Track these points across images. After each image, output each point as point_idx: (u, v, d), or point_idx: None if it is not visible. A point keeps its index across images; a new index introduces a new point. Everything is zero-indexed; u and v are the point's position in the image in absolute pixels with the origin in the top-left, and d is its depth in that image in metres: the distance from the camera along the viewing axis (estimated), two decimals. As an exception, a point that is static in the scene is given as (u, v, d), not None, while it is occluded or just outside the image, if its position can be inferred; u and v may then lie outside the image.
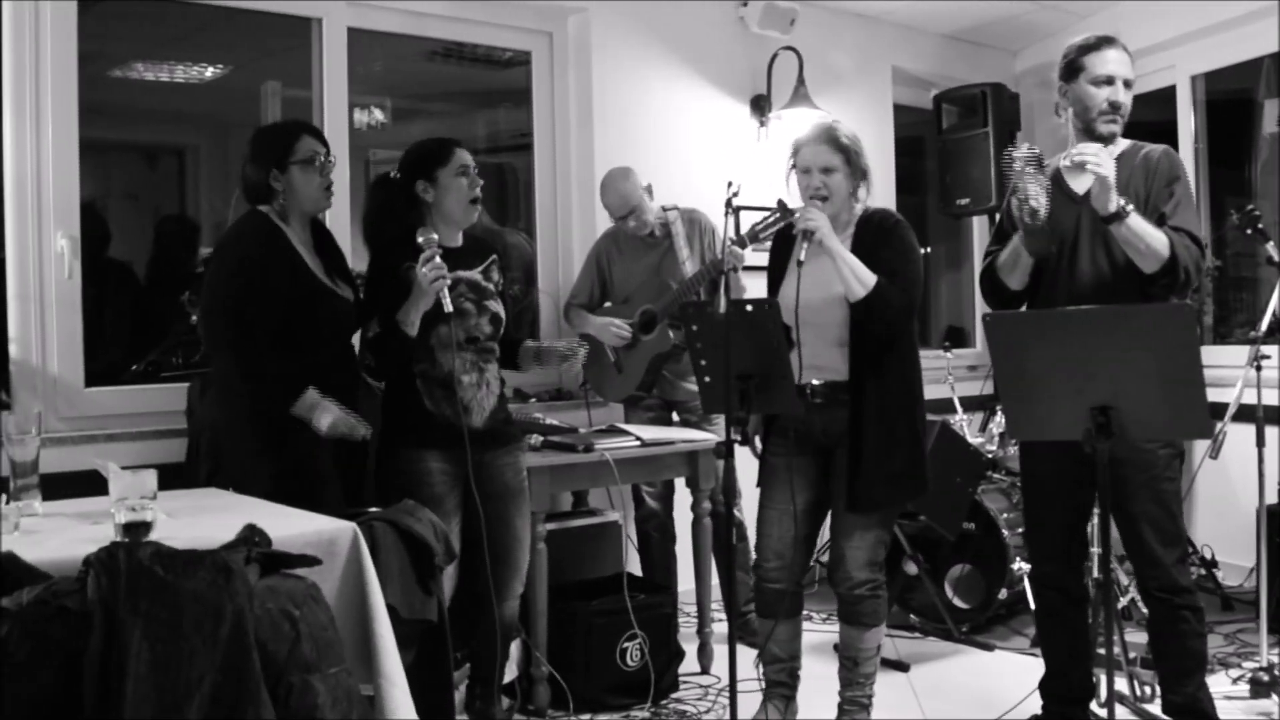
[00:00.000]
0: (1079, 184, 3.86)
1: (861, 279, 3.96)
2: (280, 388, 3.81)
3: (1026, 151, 3.83)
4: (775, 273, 4.28)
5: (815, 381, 4.05)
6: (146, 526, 2.70)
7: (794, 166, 4.15)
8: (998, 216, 4.30)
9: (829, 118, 6.36)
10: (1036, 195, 3.77)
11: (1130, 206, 3.73)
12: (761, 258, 4.56)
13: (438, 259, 3.90)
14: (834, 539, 4.15)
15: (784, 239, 4.33)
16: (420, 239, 3.93)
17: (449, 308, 3.91)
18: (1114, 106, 3.96)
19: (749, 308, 3.82)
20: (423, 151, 4.18)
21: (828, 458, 4.15)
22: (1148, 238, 3.74)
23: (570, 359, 4.44)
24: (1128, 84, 3.99)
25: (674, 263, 5.45)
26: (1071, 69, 4.03)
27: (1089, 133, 3.99)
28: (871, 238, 4.11)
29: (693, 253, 5.45)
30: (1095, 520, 4.99)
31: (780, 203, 4.55)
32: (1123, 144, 4.04)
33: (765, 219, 4.79)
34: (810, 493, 4.16)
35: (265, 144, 3.99)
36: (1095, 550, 4.74)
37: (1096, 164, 3.70)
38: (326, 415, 3.83)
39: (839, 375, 4.07)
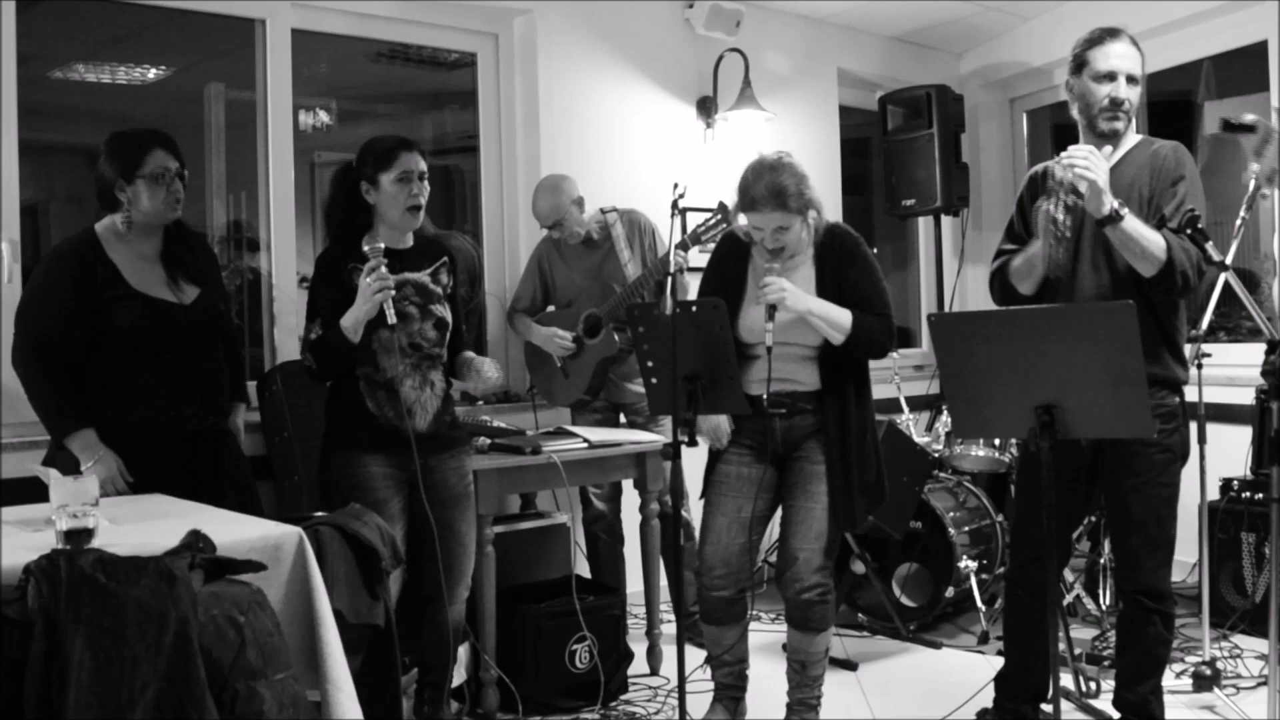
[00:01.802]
0: (1081, 185, 3.78)
1: (838, 325, 3.98)
2: (60, 417, 3.85)
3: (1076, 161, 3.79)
4: (721, 279, 4.22)
5: (773, 391, 4.03)
6: (88, 533, 2.67)
7: (742, 210, 4.06)
8: (1008, 217, 4.24)
9: (774, 118, 6.43)
10: (1060, 212, 3.79)
11: (1125, 209, 3.68)
12: (705, 259, 4.54)
13: (383, 269, 3.87)
14: (786, 542, 4.14)
15: (732, 247, 4.27)
16: (365, 247, 3.89)
17: (392, 320, 3.87)
18: (1115, 103, 3.90)
19: (695, 309, 3.82)
20: (371, 151, 4.11)
21: (781, 465, 4.17)
22: (1143, 241, 3.69)
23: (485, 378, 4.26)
24: (1131, 79, 3.92)
25: (616, 265, 5.46)
26: (1077, 64, 3.98)
27: (1092, 129, 3.95)
28: (835, 259, 4.11)
29: (634, 254, 5.46)
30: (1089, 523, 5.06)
31: (721, 204, 4.56)
32: (1133, 139, 4.00)
33: (706, 221, 4.80)
34: (761, 501, 4.17)
35: (116, 151, 3.93)
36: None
37: (1085, 168, 3.66)
38: (95, 470, 3.74)
39: (805, 386, 4.09)
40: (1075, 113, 4.03)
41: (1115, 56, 3.92)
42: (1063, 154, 3.77)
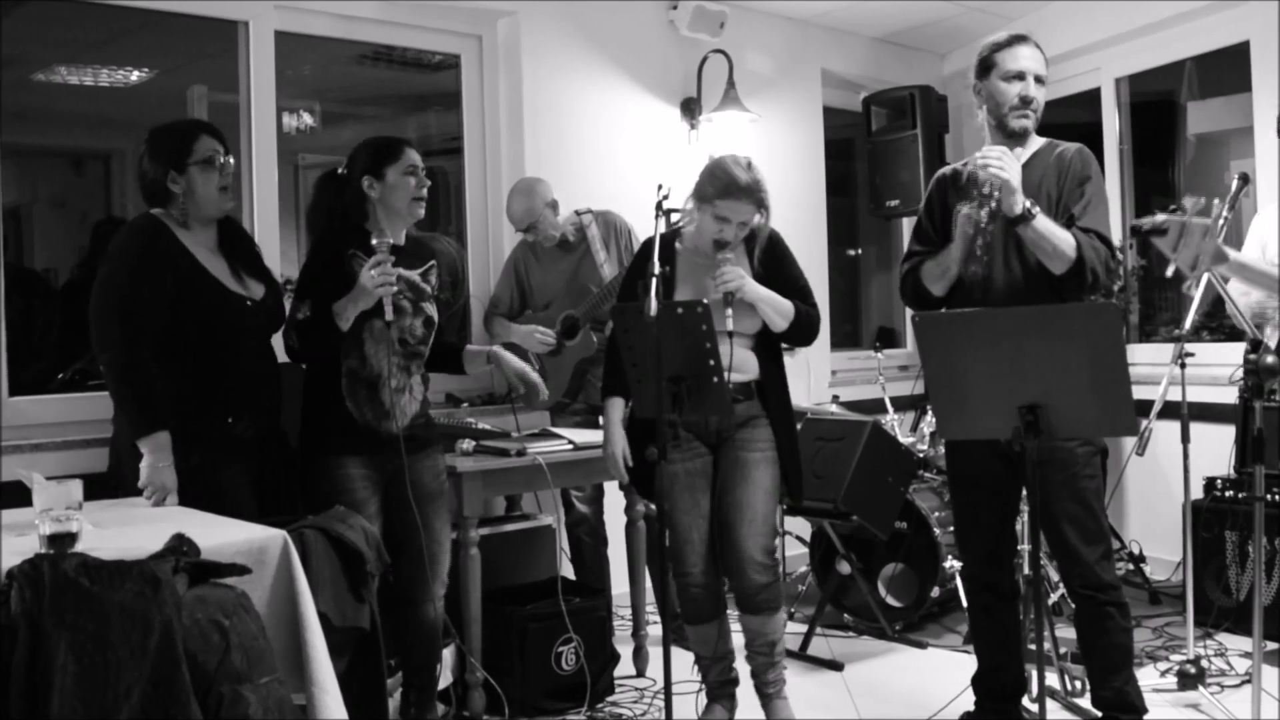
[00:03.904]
0: (987, 187, 3.91)
1: (783, 312, 4.16)
2: (143, 412, 3.69)
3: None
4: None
5: (735, 380, 4.11)
6: (72, 538, 2.67)
7: (707, 201, 4.12)
8: (917, 217, 4.34)
9: (758, 119, 6.43)
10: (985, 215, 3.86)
11: (1036, 209, 3.76)
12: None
13: (388, 265, 3.89)
14: (729, 532, 4.20)
15: (660, 244, 4.26)
16: (374, 240, 3.92)
17: (389, 316, 3.90)
18: (1024, 101, 3.98)
19: (680, 310, 3.83)
20: (373, 148, 4.15)
21: (714, 455, 4.26)
22: (1054, 239, 3.77)
23: (531, 390, 4.45)
24: (1039, 79, 4.00)
25: (592, 266, 5.46)
26: (984, 66, 4.07)
27: (1002, 129, 4.03)
28: (772, 259, 4.25)
29: (610, 255, 5.45)
30: (1025, 517, 5.10)
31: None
32: (1039, 142, 4.07)
33: (682, 219, 4.79)
34: (709, 493, 4.25)
35: (163, 143, 3.87)
36: (1025, 547, 4.81)
37: (999, 167, 3.75)
38: (149, 473, 3.64)
39: (740, 376, 4.15)
40: (983, 114, 4.11)
41: (1024, 58, 4.00)
42: (977, 154, 3.88)
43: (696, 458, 4.24)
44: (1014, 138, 4.00)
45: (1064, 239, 3.79)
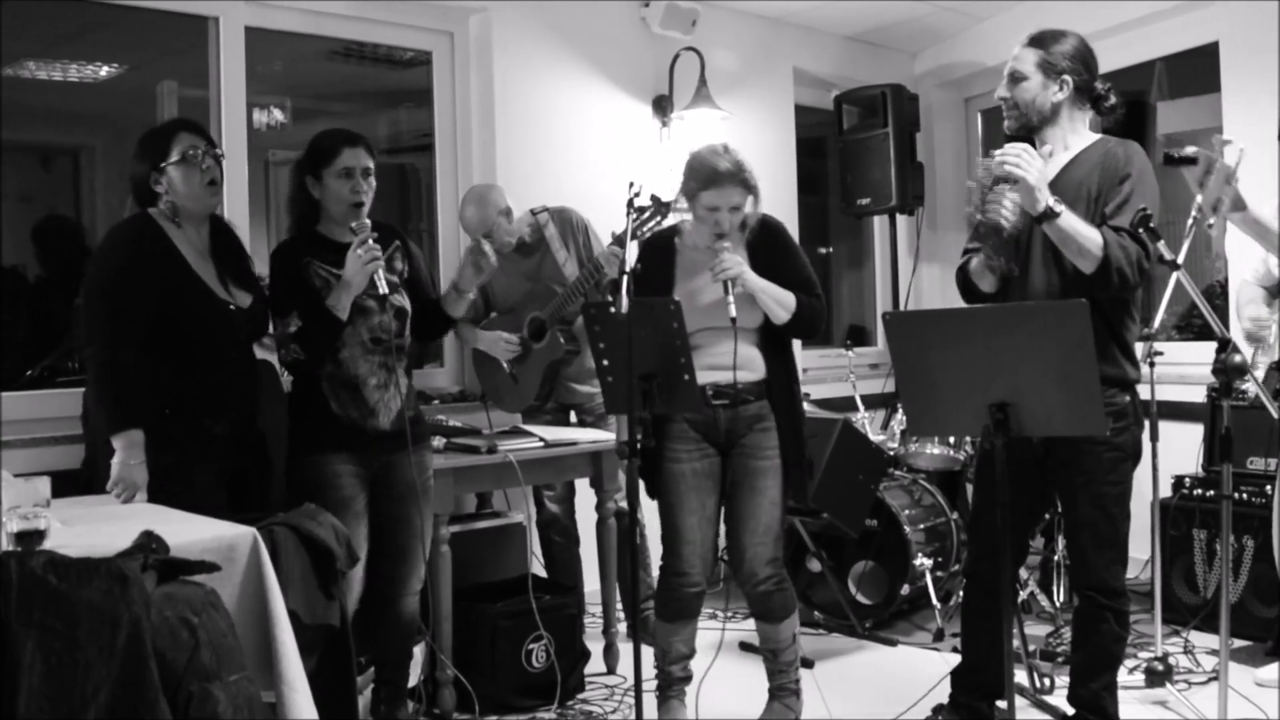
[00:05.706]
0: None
1: (784, 304, 4.11)
2: (120, 407, 3.69)
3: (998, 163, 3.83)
4: (653, 274, 4.21)
5: (714, 383, 4.11)
6: (40, 535, 2.65)
7: (694, 196, 4.12)
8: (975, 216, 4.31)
9: (730, 117, 6.44)
10: (998, 210, 3.79)
11: (1061, 206, 3.69)
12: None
13: (371, 240, 3.92)
14: (736, 539, 4.20)
15: (657, 242, 4.32)
16: (353, 224, 3.97)
17: (384, 289, 3.93)
18: (1002, 102, 4.02)
19: (651, 308, 3.82)
20: (315, 146, 4.14)
21: (724, 457, 4.23)
22: (1079, 238, 3.70)
23: (481, 257, 4.30)
24: (1014, 76, 3.97)
25: (553, 265, 5.43)
26: None
27: None
28: (768, 247, 4.23)
29: (570, 253, 5.43)
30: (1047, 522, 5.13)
31: (654, 199, 4.54)
32: (1089, 138, 4.01)
33: (643, 217, 4.79)
34: (715, 495, 4.23)
35: (146, 145, 3.91)
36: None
37: (1015, 164, 3.69)
38: (119, 470, 3.64)
39: (747, 375, 4.14)
40: None
41: (1009, 61, 4.00)
42: (997, 152, 3.81)
43: (704, 458, 4.20)
44: (1034, 133, 3.98)
45: (1090, 238, 3.71)
